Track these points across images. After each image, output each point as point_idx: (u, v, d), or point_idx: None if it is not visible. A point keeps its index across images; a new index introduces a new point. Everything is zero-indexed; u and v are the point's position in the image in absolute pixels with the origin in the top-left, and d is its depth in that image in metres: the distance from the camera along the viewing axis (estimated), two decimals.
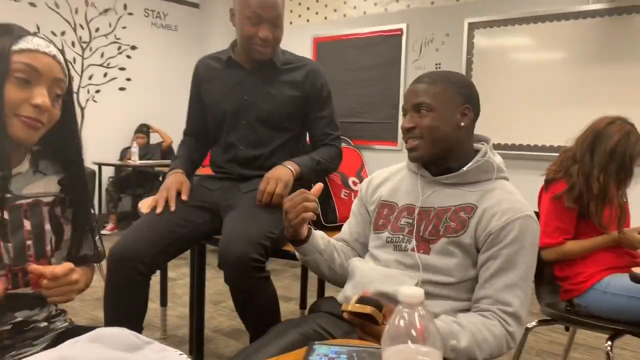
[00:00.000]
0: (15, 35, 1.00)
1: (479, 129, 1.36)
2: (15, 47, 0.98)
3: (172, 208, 1.80)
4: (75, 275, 1.02)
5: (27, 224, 1.08)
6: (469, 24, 4.84)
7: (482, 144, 1.39)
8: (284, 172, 1.78)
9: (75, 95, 5.76)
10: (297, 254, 1.47)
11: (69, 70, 1.09)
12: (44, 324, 1.10)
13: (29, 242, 1.07)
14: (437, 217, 1.31)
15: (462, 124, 1.31)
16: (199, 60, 2.06)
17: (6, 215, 1.04)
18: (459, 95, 1.32)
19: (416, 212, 1.34)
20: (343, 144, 2.14)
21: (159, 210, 1.79)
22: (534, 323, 2.13)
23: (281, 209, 1.71)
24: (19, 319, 1.06)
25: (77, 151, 1.17)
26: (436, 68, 5.01)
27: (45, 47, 1.02)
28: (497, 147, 4.57)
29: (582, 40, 4.29)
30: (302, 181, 1.82)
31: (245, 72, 1.91)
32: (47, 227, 1.11)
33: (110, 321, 1.70)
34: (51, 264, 1.11)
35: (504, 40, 4.68)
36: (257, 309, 1.68)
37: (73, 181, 1.16)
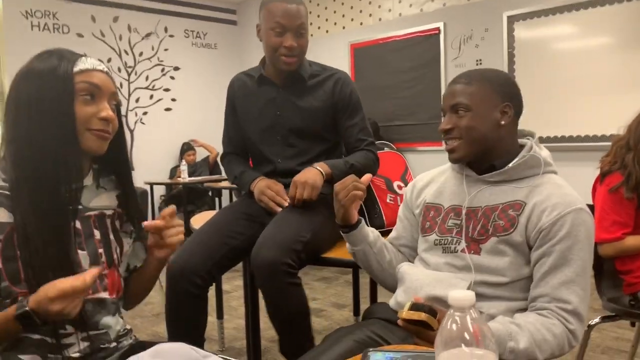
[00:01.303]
0: (71, 58, 1.10)
1: (525, 123, 1.33)
2: (75, 69, 1.08)
3: (287, 201, 1.84)
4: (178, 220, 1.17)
5: (97, 234, 1.16)
6: (508, 17, 4.74)
7: (528, 139, 1.36)
8: (312, 174, 1.80)
9: (124, 119, 5.99)
10: (347, 245, 1.48)
11: (113, 79, 1.18)
12: (113, 344, 1.16)
13: (101, 251, 1.16)
14: (485, 216, 1.28)
15: (503, 122, 1.29)
16: (233, 78, 2.11)
17: (79, 225, 1.13)
18: (498, 93, 1.29)
19: (463, 212, 1.32)
20: (386, 148, 2.13)
21: (279, 209, 1.84)
22: (597, 320, 2.05)
23: (311, 211, 1.73)
24: (101, 327, 1.13)
25: (126, 164, 1.24)
26: (477, 65, 4.93)
27: (99, 65, 1.12)
28: (545, 140, 4.44)
29: (626, 24, 4.13)
30: (333, 183, 1.83)
31: (276, 88, 1.96)
32: (112, 237, 1.20)
33: (172, 335, 1.76)
34: (119, 272, 1.20)
35: (545, 31, 4.56)
36: (286, 314, 1.70)
37: (128, 196, 1.24)
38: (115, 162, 1.21)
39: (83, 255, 1.12)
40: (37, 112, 1.05)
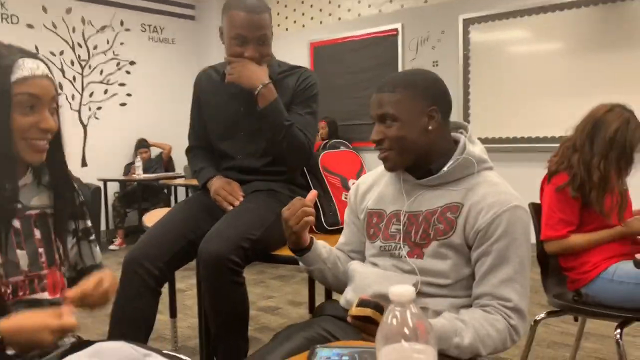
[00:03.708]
0: (6, 63, 1.03)
1: (480, 124, 1.35)
2: (13, 79, 1.02)
3: (240, 199, 1.85)
4: (105, 283, 1.11)
5: (37, 233, 1.13)
6: (464, 20, 4.84)
7: (461, 132, 1.36)
8: (260, 73, 1.81)
9: (77, 113, 5.82)
10: (301, 264, 1.47)
11: (53, 79, 1.13)
12: (68, 335, 1.12)
13: (41, 250, 1.12)
14: (426, 221, 1.29)
15: (430, 127, 1.27)
16: (200, 72, 2.08)
17: (18, 225, 1.09)
18: (423, 97, 1.28)
19: (402, 218, 1.33)
20: (342, 147, 2.14)
21: (231, 208, 1.83)
22: (542, 315, 2.12)
23: (265, 209, 1.69)
24: None
25: (62, 163, 1.20)
26: (433, 66, 5.01)
27: (37, 69, 1.05)
28: (497, 141, 4.55)
29: (577, 30, 4.28)
30: (263, 111, 1.82)
31: (240, 85, 1.93)
32: (53, 236, 1.16)
33: (116, 329, 1.70)
34: (61, 271, 1.16)
35: (499, 34, 4.68)
36: (226, 312, 1.69)
37: (66, 194, 1.20)
38: (51, 161, 1.16)
39: (22, 255, 1.08)
40: None
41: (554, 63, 4.38)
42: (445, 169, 1.29)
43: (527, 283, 1.23)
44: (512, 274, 1.20)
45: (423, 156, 1.30)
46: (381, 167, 1.47)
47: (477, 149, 1.32)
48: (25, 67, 1.04)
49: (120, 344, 0.75)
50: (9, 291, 1.06)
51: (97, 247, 1.32)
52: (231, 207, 1.84)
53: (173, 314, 2.89)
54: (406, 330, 0.64)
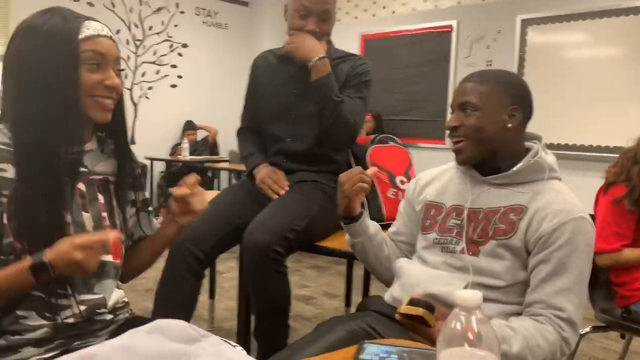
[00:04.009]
0: (75, 22, 1.07)
1: (533, 128, 1.33)
2: (81, 36, 1.06)
3: (286, 189, 1.87)
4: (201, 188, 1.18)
5: (101, 198, 1.16)
6: (522, 20, 4.72)
7: (534, 143, 1.35)
8: (317, 48, 1.83)
9: (129, 92, 5.96)
10: (346, 236, 1.48)
11: (116, 42, 1.16)
12: (110, 316, 1.16)
13: (104, 214, 1.16)
14: (486, 219, 1.28)
15: (510, 125, 1.27)
16: (259, 55, 2.12)
17: (83, 188, 1.12)
18: (508, 95, 1.28)
19: (465, 213, 1.32)
20: (391, 142, 2.12)
21: (276, 197, 1.85)
22: (587, 329, 2.06)
23: (309, 200, 1.70)
24: (98, 290, 1.13)
25: (124, 134, 1.23)
26: (487, 65, 4.91)
27: (103, 30, 1.10)
28: (552, 147, 4.43)
29: (638, 36, 4.11)
30: (319, 90, 1.83)
31: (296, 67, 1.94)
32: (115, 203, 1.20)
33: (160, 308, 1.75)
34: (121, 237, 1.20)
35: (558, 37, 4.54)
36: (267, 300, 1.72)
37: (127, 163, 1.23)
38: (114, 128, 1.20)
39: (87, 217, 1.12)
40: (40, 77, 1.03)
41: (613, 69, 4.23)
42: (515, 168, 1.28)
43: (584, 297, 1.21)
44: (569, 284, 1.18)
45: (495, 153, 1.29)
46: (445, 165, 1.48)
47: (549, 158, 1.32)
48: (92, 27, 1.08)
49: (180, 322, 0.77)
50: None
51: (155, 219, 1.35)
52: (276, 196, 1.86)
53: (212, 295, 2.94)
54: (470, 335, 0.63)
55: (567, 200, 1.24)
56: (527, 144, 1.35)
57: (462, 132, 1.29)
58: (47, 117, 1.03)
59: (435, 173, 1.49)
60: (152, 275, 1.75)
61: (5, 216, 1.00)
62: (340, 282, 3.86)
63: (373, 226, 1.46)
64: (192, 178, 1.18)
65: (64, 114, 1.04)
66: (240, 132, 2.17)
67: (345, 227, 1.45)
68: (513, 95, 1.28)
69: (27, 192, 1.01)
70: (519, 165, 1.28)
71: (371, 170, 1.41)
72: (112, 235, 1.00)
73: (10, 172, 1.02)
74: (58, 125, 1.04)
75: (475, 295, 0.64)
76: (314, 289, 3.75)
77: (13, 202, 1.01)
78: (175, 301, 1.76)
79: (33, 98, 1.04)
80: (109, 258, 1.14)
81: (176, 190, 1.17)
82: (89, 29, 1.07)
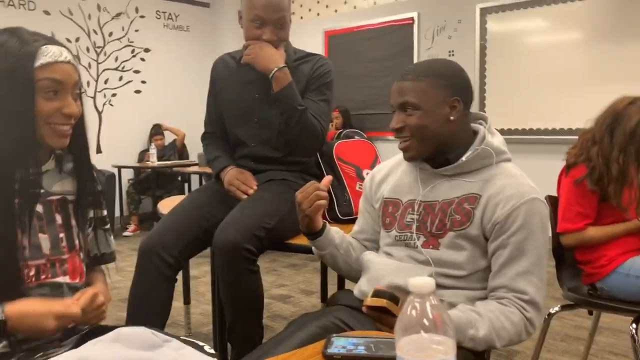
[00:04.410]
0: (31, 46, 1.04)
1: (496, 115, 1.34)
2: (37, 64, 1.03)
3: (254, 188, 1.85)
4: (101, 298, 1.11)
5: (59, 218, 1.15)
6: (481, 9, 4.79)
7: (480, 123, 1.35)
8: (276, 56, 1.81)
9: (92, 100, 5.85)
10: (313, 249, 1.47)
11: (76, 66, 1.14)
12: (71, 324, 1.14)
13: (62, 235, 1.15)
14: (442, 211, 1.28)
15: (452, 117, 1.27)
16: (217, 58, 2.09)
17: (40, 209, 1.11)
18: (446, 87, 1.27)
19: (420, 207, 1.32)
20: (356, 136, 2.13)
21: (245, 197, 1.83)
22: (557, 308, 2.11)
23: (279, 198, 1.69)
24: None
25: (86, 150, 1.22)
26: (449, 56, 4.97)
27: (60, 55, 1.07)
28: (513, 132, 4.51)
29: (596, 20, 4.21)
30: (279, 94, 1.82)
31: (256, 71, 1.92)
32: (73, 222, 1.18)
33: (133, 317, 1.73)
34: (80, 257, 1.19)
35: (517, 24, 4.62)
36: (240, 300, 1.71)
37: (85, 183, 1.22)
38: (74, 147, 1.18)
39: (44, 239, 1.11)
40: None
41: (571, 54, 4.32)
42: (463, 158, 1.28)
43: (544, 276, 1.23)
44: (529, 266, 1.20)
45: (442, 146, 1.29)
46: (397, 157, 1.47)
47: (497, 140, 1.32)
48: (49, 53, 1.05)
49: (141, 329, 0.76)
50: (31, 273, 1.08)
51: (112, 236, 1.34)
52: (245, 196, 1.85)
53: (187, 300, 2.92)
54: (425, 322, 0.64)
55: (518, 182, 1.25)
56: (474, 125, 1.35)
57: (407, 132, 1.28)
58: (1, 144, 1.02)
59: (388, 167, 1.48)
60: (126, 285, 1.72)
61: None
62: (317, 278, 3.86)
63: (337, 234, 1.45)
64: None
65: (20, 141, 1.03)
66: (204, 137, 2.15)
67: (311, 242, 1.45)
68: (451, 87, 1.27)
69: None
70: (467, 154, 1.28)
71: (325, 180, 1.39)
72: (76, 310, 1.01)
73: None
74: (12, 151, 1.03)
75: (428, 281, 0.65)
76: (290, 288, 3.74)
77: None
78: (149, 308, 1.74)
79: None
80: (64, 279, 1.14)
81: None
82: (46, 55, 1.05)
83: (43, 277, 1.10)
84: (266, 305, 3.33)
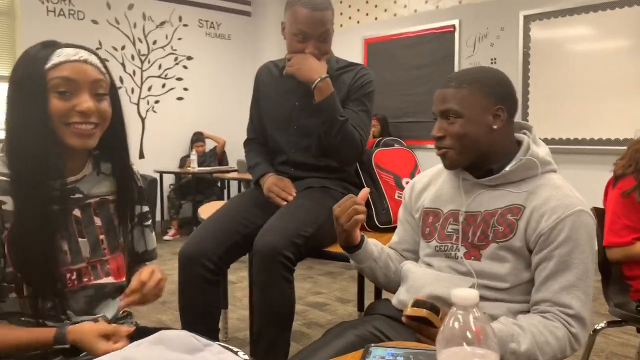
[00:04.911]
0: (47, 50, 1.07)
1: (537, 124, 1.31)
2: (47, 65, 1.05)
3: (293, 194, 1.88)
4: (158, 274, 1.14)
5: (98, 221, 1.17)
6: (525, 16, 4.70)
7: (524, 133, 1.32)
8: (318, 69, 1.82)
9: (136, 107, 6.01)
10: (352, 262, 1.46)
11: (106, 67, 1.14)
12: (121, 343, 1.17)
13: (102, 237, 1.16)
14: (485, 222, 1.26)
15: (495, 126, 1.24)
16: (262, 66, 2.12)
17: (79, 214, 1.13)
18: (490, 95, 1.24)
19: (461, 218, 1.30)
20: (396, 144, 2.12)
21: (284, 203, 1.86)
22: (602, 324, 2.04)
23: (317, 206, 1.70)
24: (98, 312, 1.15)
25: (124, 151, 1.23)
26: (492, 63, 4.89)
27: (73, 55, 1.07)
28: (557, 142, 4.40)
29: None
30: (320, 106, 1.83)
31: (297, 79, 1.94)
32: (116, 222, 1.20)
33: (187, 321, 1.78)
34: (125, 255, 1.21)
35: (561, 32, 4.51)
36: (271, 306, 1.70)
37: (126, 180, 1.23)
38: (112, 148, 1.20)
39: (83, 243, 1.13)
40: (16, 109, 1.05)
41: (618, 62, 4.19)
42: (507, 168, 1.25)
43: (590, 291, 1.19)
44: (574, 280, 1.16)
45: (484, 155, 1.26)
46: (438, 166, 1.45)
47: (542, 151, 1.28)
48: (62, 54, 1.07)
49: (183, 332, 0.77)
50: (73, 277, 1.11)
51: (153, 233, 1.35)
52: (284, 203, 1.86)
53: (224, 305, 2.95)
54: (468, 334, 0.63)
55: (563, 194, 1.21)
56: (518, 135, 1.32)
57: (448, 141, 1.25)
58: (25, 148, 1.04)
59: (429, 177, 1.46)
60: (166, 288, 1.76)
61: (6, 246, 1.03)
62: (353, 287, 3.85)
63: (375, 247, 1.43)
64: (147, 271, 1.14)
65: (42, 146, 1.05)
66: (246, 144, 2.18)
67: (350, 256, 1.43)
68: (495, 95, 1.24)
69: (20, 223, 1.03)
70: (511, 164, 1.25)
71: (363, 193, 1.38)
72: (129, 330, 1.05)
73: (9, 204, 1.04)
74: (37, 155, 1.05)
75: (472, 293, 0.63)
76: (327, 295, 3.74)
77: (11, 233, 1.03)
78: (199, 312, 1.79)
79: (13, 128, 1.05)
80: (107, 280, 1.16)
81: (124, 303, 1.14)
82: (59, 55, 1.06)
83: (85, 279, 1.12)
84: (302, 312, 3.34)
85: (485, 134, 1.24)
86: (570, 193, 1.23)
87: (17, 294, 1.04)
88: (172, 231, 5.84)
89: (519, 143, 1.30)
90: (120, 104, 1.18)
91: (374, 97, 2.00)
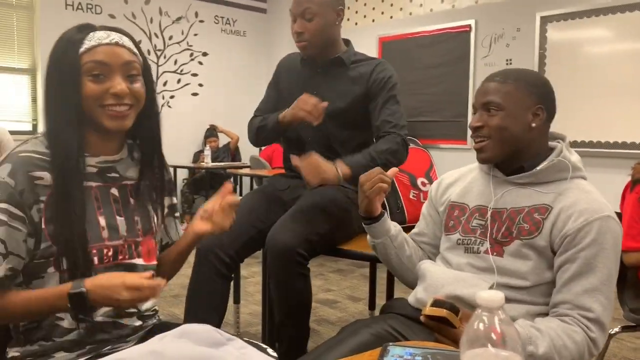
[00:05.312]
0: (79, 37, 1.09)
1: (555, 126, 1.32)
2: (81, 49, 1.07)
3: (325, 105, 1.78)
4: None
5: (133, 202, 1.19)
6: (541, 17, 4.66)
7: (558, 142, 1.34)
8: (331, 174, 1.70)
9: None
10: (368, 238, 1.49)
11: (139, 48, 1.16)
12: (139, 322, 1.19)
13: (137, 218, 1.19)
14: (510, 219, 1.27)
15: (534, 124, 1.27)
16: (286, 55, 2.16)
17: (116, 193, 1.16)
18: (532, 94, 1.27)
19: (489, 213, 1.31)
20: (411, 144, 2.12)
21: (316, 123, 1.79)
22: (617, 329, 2.03)
23: (332, 204, 1.74)
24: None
25: (153, 134, 1.25)
26: (507, 64, 4.86)
27: (105, 38, 1.09)
28: (575, 144, 4.36)
29: None
30: (353, 180, 1.78)
31: (316, 69, 1.97)
32: (150, 207, 1.23)
33: (190, 314, 1.79)
34: (155, 240, 1.23)
35: (578, 33, 4.47)
36: (289, 301, 1.74)
37: (156, 168, 1.25)
38: (141, 132, 1.22)
39: (121, 222, 1.15)
40: (52, 90, 1.08)
41: (636, 64, 4.14)
42: (539, 167, 1.27)
43: (612, 296, 1.19)
44: (597, 284, 1.16)
45: (519, 152, 1.29)
46: (468, 166, 1.47)
47: (574, 157, 1.31)
48: (94, 38, 1.09)
49: (206, 327, 0.78)
50: (110, 253, 1.12)
51: (180, 225, 1.38)
52: (317, 123, 1.79)
53: (236, 299, 2.97)
54: (493, 336, 0.63)
55: (592, 198, 1.22)
56: (551, 143, 1.34)
57: (486, 132, 1.28)
58: (62, 128, 1.07)
59: (458, 174, 1.48)
60: (178, 282, 1.78)
61: (43, 220, 1.04)
62: (364, 285, 3.85)
63: (394, 227, 1.47)
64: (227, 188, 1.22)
65: (77, 125, 1.08)
66: (251, 119, 2.13)
67: (366, 228, 1.46)
68: (537, 95, 1.27)
69: (58, 198, 1.05)
70: (543, 164, 1.27)
71: (391, 170, 1.41)
72: (162, 283, 1.02)
73: (47, 179, 1.05)
74: (73, 135, 1.07)
75: (498, 295, 0.64)
76: (337, 293, 3.75)
77: (49, 207, 1.05)
78: (207, 305, 1.80)
79: (50, 110, 1.09)
80: (138, 261, 1.17)
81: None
82: (91, 40, 1.08)
83: (120, 257, 1.14)
84: (313, 309, 3.35)
85: (523, 131, 1.26)
86: (599, 198, 1.24)
87: (55, 268, 1.06)
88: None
89: (552, 150, 1.32)
90: (153, 85, 1.20)
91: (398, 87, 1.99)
